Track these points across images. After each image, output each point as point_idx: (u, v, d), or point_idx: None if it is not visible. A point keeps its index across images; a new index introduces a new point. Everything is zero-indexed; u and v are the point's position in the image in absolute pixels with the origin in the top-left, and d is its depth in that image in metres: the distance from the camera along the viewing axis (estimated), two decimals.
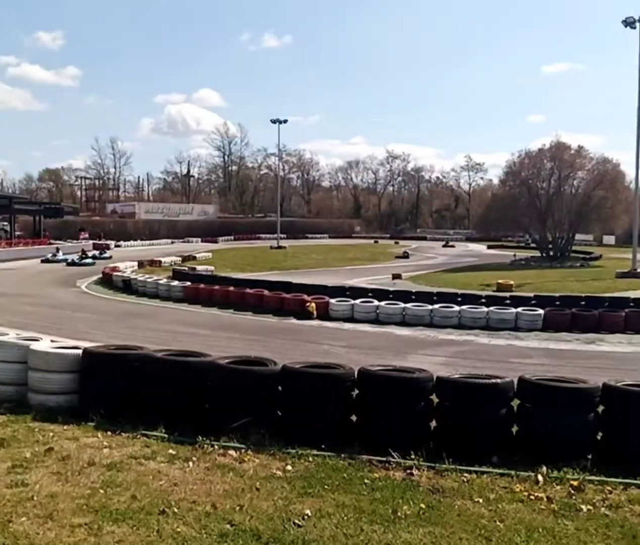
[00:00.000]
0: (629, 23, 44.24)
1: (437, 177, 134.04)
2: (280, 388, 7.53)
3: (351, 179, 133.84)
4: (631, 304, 24.07)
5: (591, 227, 69.85)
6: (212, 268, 41.45)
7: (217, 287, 27.70)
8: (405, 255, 61.09)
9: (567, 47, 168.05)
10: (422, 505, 5.53)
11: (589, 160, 62.32)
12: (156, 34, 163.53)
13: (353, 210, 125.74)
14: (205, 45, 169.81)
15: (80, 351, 8.44)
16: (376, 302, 23.05)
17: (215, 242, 78.84)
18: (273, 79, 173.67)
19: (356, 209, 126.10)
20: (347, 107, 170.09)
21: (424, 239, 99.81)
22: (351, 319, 22.28)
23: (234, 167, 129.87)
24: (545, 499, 5.81)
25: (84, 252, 49.06)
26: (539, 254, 60.95)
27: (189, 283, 29.19)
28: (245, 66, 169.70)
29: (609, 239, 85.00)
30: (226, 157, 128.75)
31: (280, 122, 75.94)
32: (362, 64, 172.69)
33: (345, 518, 5.25)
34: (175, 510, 5.27)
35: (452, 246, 63.54)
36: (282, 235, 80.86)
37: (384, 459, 6.70)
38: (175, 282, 29.79)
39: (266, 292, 25.85)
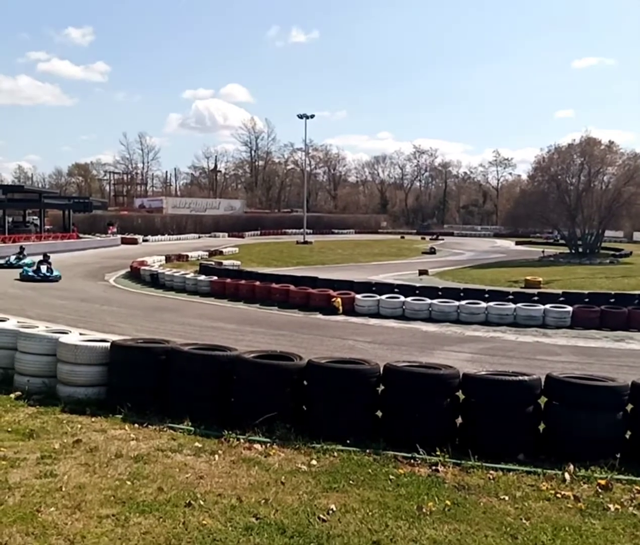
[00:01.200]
0: None
1: (465, 173, 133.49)
2: (305, 383, 7.54)
3: (378, 174, 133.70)
4: None
5: (621, 224, 68.83)
6: (238, 263, 41.61)
7: (243, 281, 27.80)
8: (432, 251, 60.79)
9: (597, 42, 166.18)
10: (448, 502, 5.50)
11: (620, 156, 61.53)
12: (184, 29, 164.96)
13: (379, 205, 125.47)
14: (233, 40, 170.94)
15: (108, 344, 8.53)
16: (402, 298, 22.96)
17: (242, 237, 79.14)
18: (300, 74, 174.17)
19: (382, 204, 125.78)
20: (373, 102, 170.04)
21: (451, 234, 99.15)
22: (377, 315, 22.24)
23: (261, 162, 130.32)
24: (572, 498, 5.76)
25: (22, 251, 38.76)
26: (568, 251, 60.27)
27: (215, 277, 29.33)
28: (272, 61, 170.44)
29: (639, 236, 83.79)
30: (253, 152, 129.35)
31: (307, 117, 76.00)
32: (388, 59, 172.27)
33: (370, 513, 5.25)
34: (201, 502, 5.31)
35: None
36: (308, 231, 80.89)
37: (409, 455, 6.68)
38: (202, 277, 29.96)
39: (292, 287, 25.89)
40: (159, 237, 72.48)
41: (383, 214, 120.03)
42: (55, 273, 30.94)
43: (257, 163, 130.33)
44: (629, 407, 6.95)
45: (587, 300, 23.68)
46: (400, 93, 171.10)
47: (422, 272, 38.46)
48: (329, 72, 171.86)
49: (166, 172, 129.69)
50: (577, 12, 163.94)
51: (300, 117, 76.01)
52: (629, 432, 6.93)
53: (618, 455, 6.60)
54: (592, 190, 59.56)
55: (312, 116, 76.76)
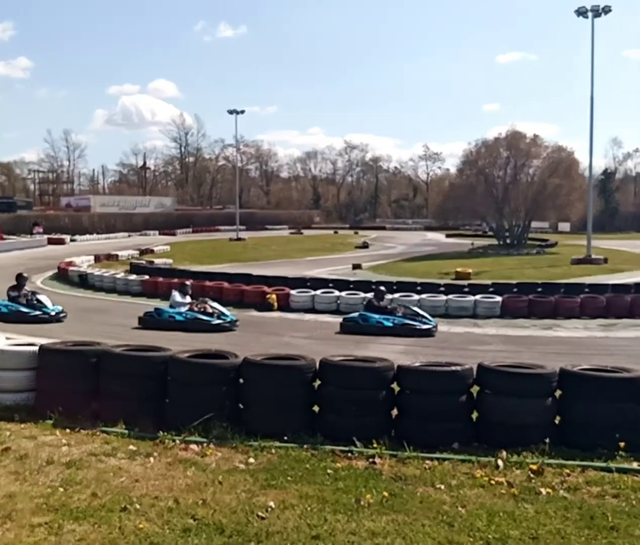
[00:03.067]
0: (582, 13, 44.96)
1: (396, 167, 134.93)
2: (241, 380, 7.50)
3: (310, 170, 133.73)
4: (586, 290, 24.55)
5: (547, 215, 70.91)
6: (170, 261, 41.03)
7: (175, 280, 27.28)
8: (365, 246, 61.30)
9: (521, 37, 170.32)
10: (385, 494, 5.56)
11: (544, 149, 63.36)
12: (108, 23, 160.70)
13: (312, 201, 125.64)
14: (159, 34, 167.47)
15: (36, 348, 8.28)
16: (337, 293, 23.10)
17: (173, 234, 77.99)
18: (229, 69, 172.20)
19: (315, 199, 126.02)
20: (304, 97, 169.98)
21: (384, 228, 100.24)
22: (312, 310, 22.31)
23: (191, 159, 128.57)
24: (505, 484, 5.91)
25: None
26: (496, 242, 61.77)
27: (147, 277, 28.82)
28: (200, 56, 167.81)
29: (564, 226, 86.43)
30: (183, 148, 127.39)
31: (237, 113, 75.42)
32: (318, 54, 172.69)
33: (308, 508, 5.26)
34: (137, 506, 5.21)
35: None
36: (241, 227, 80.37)
37: (347, 448, 6.73)
38: (133, 276, 29.41)
39: (226, 284, 25.69)
40: (87, 236, 70.64)
41: (316, 210, 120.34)
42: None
43: (187, 159, 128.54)
44: (558, 393, 7.18)
45: (515, 290, 24.37)
46: (330, 88, 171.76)
47: (356, 267, 38.75)
48: (258, 68, 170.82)
49: (93, 170, 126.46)
50: (501, 7, 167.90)
51: (231, 112, 75.43)
52: (558, 417, 7.15)
53: (548, 440, 6.80)
54: (518, 182, 61.20)
55: (242, 112, 76.31)
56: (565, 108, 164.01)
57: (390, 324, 17.81)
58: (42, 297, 19.40)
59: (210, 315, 18.29)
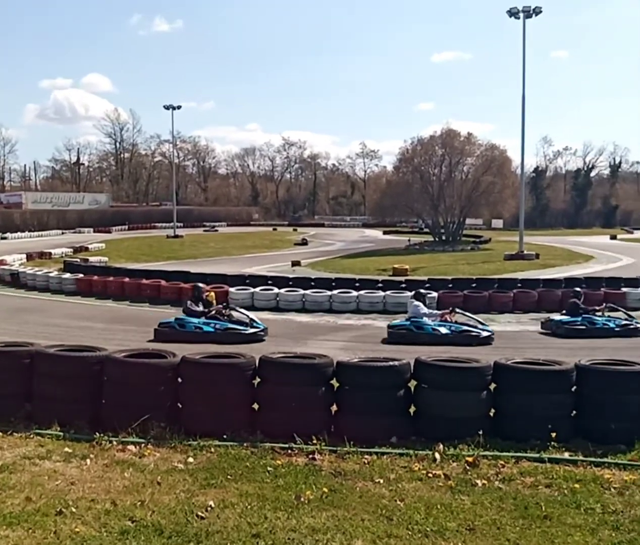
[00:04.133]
0: (513, 13, 46.03)
1: (334, 164, 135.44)
2: (180, 380, 7.42)
3: (248, 166, 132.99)
4: (519, 285, 25.21)
5: (480, 212, 72.38)
6: (105, 259, 40.20)
7: (111, 278, 26.87)
8: (304, 242, 61.38)
9: (455, 37, 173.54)
10: (325, 489, 5.60)
11: (478, 147, 64.70)
12: (40, 15, 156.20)
13: (251, 197, 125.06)
14: (93, 28, 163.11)
15: None
16: (276, 290, 23.08)
17: (109, 232, 76.39)
18: (165, 64, 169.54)
19: (254, 196, 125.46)
20: (241, 93, 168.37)
21: (322, 225, 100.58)
22: (251, 307, 22.13)
23: (127, 155, 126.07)
24: (442, 476, 6.03)
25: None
26: (432, 239, 62.67)
27: (81, 275, 28.18)
28: (135, 51, 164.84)
29: (498, 223, 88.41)
30: (118, 144, 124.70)
31: (173, 108, 74.30)
32: (255, 50, 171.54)
33: (248, 507, 5.25)
34: (73, 509, 5.11)
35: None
36: (179, 224, 79.41)
37: (287, 445, 6.74)
38: (67, 275, 28.69)
39: (163, 282, 25.33)
40: (19, 234, 68.53)
41: (255, 206, 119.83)
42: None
43: (122, 155, 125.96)
44: (493, 386, 7.35)
45: (450, 285, 24.83)
46: (267, 84, 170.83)
47: (295, 263, 38.76)
48: (194, 63, 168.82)
49: (25, 165, 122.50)
50: (436, 7, 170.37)
51: (167, 108, 74.24)
52: (493, 410, 7.33)
53: (483, 433, 6.96)
54: (453, 180, 62.35)
55: (179, 107, 75.18)
56: (498, 107, 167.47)
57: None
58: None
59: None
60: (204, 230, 73.82)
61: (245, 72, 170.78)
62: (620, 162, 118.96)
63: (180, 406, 7.40)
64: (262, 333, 16.03)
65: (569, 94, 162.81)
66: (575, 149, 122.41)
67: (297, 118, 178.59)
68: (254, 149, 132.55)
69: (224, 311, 16.51)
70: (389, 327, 16.50)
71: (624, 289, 23.14)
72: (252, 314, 16.93)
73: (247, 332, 15.86)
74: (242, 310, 16.83)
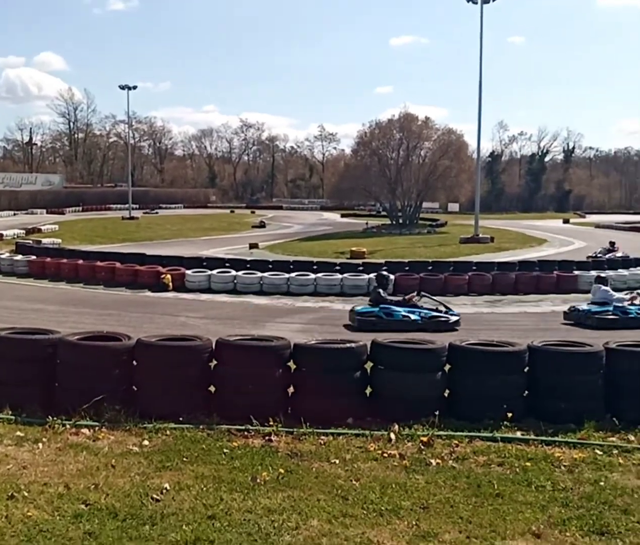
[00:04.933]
0: None
1: (292, 147, 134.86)
2: (135, 363, 7.35)
3: (205, 148, 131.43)
4: (474, 268, 25.59)
5: (437, 196, 73.06)
6: (59, 241, 39.41)
7: (65, 260, 26.40)
8: (262, 225, 61.14)
9: (413, 21, 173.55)
10: (281, 470, 5.62)
11: (435, 131, 65.17)
12: None
13: (208, 179, 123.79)
14: (45, 5, 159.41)
15: None
16: (233, 272, 22.96)
17: (62, 213, 74.74)
18: (120, 43, 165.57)
19: (211, 178, 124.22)
20: (198, 74, 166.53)
21: (280, 208, 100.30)
22: (208, 290, 22.08)
23: (81, 135, 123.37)
24: (397, 456, 6.10)
25: None
26: (390, 222, 63.03)
27: (34, 257, 27.61)
28: (90, 29, 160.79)
29: (454, 207, 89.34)
30: (72, 124, 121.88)
31: (129, 89, 73.02)
32: (213, 30, 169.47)
33: (204, 489, 5.24)
34: (25, 493, 5.04)
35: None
36: (135, 206, 78.26)
37: (243, 427, 6.74)
38: (19, 257, 28.09)
39: (118, 264, 24.99)
40: None
41: (212, 188, 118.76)
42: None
43: (76, 135, 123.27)
44: (447, 367, 7.46)
45: (407, 268, 25.01)
46: (225, 65, 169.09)
47: (253, 246, 38.60)
48: (150, 43, 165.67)
49: None
50: None
51: (122, 88, 72.91)
52: (447, 391, 7.44)
53: (438, 413, 7.05)
54: (410, 164, 62.70)
55: (135, 87, 73.89)
56: (455, 92, 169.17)
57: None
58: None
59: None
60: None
61: (202, 53, 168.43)
62: (573, 148, 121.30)
63: (135, 389, 7.34)
64: (459, 321, 15.71)
65: (525, 79, 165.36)
66: (530, 134, 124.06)
67: (255, 100, 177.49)
68: (211, 130, 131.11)
69: (415, 299, 16.24)
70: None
71: (576, 272, 23.65)
72: (210, 296, 16.87)
73: (451, 320, 15.60)
74: (434, 298, 16.64)
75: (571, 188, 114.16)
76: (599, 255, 30.85)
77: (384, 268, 23.83)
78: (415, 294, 16.59)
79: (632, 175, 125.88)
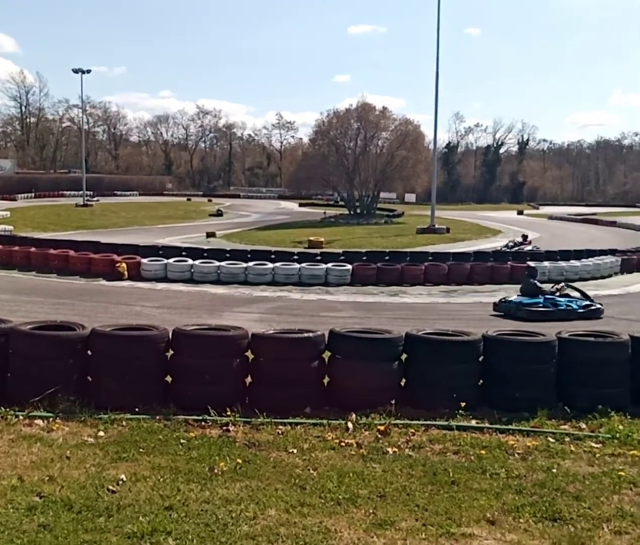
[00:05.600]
0: None
1: (249, 135, 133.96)
2: (90, 352, 7.24)
3: (161, 134, 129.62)
4: (430, 258, 25.87)
5: (394, 186, 73.43)
6: (10, 228, 38.52)
7: (16, 248, 25.84)
8: (219, 213, 60.73)
9: (372, 9, 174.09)
10: (239, 460, 5.62)
11: (392, 121, 65.50)
12: None
13: (164, 166, 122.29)
14: None
15: None
16: (190, 261, 22.78)
17: (14, 199, 73.01)
18: (74, 26, 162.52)
19: (167, 165, 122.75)
20: (154, 59, 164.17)
21: (238, 196, 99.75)
22: (164, 279, 21.87)
23: (33, 119, 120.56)
24: (355, 445, 6.15)
25: None
26: (347, 212, 63.21)
27: None
28: (43, 10, 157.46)
29: (411, 197, 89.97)
30: (23, 108, 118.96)
31: (82, 72, 71.52)
32: (170, 14, 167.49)
33: (161, 479, 5.21)
34: None
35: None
36: (89, 193, 76.89)
37: (200, 417, 6.71)
38: None
39: (72, 252, 24.53)
40: None
41: (168, 176, 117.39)
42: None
43: (28, 120, 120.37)
44: (404, 356, 7.53)
45: (364, 258, 25.17)
46: (182, 51, 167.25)
47: (210, 235, 38.34)
48: (105, 26, 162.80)
49: None
50: None
51: (76, 71, 71.33)
52: (404, 380, 7.52)
53: (394, 402, 7.12)
54: (368, 153, 62.90)
55: (89, 71, 72.39)
56: (412, 82, 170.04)
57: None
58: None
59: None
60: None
61: (158, 38, 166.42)
62: (527, 140, 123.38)
63: (90, 379, 7.23)
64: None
65: (481, 71, 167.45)
66: (486, 126, 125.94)
67: (212, 86, 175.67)
68: (167, 116, 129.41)
69: (560, 289, 16.80)
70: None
71: (530, 263, 24.01)
72: (166, 285, 16.72)
73: (601, 309, 16.10)
74: (576, 288, 17.10)
75: (525, 180, 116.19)
76: (504, 248, 31.09)
77: (341, 258, 23.94)
78: (563, 284, 17.28)
79: (585, 167, 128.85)
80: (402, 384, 7.53)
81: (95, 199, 75.76)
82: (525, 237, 33.14)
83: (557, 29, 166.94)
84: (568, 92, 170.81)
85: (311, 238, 35.60)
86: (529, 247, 30.49)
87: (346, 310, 17.09)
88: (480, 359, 7.57)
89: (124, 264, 22.26)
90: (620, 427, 6.75)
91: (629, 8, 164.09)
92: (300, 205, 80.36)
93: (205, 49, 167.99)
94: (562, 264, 24.32)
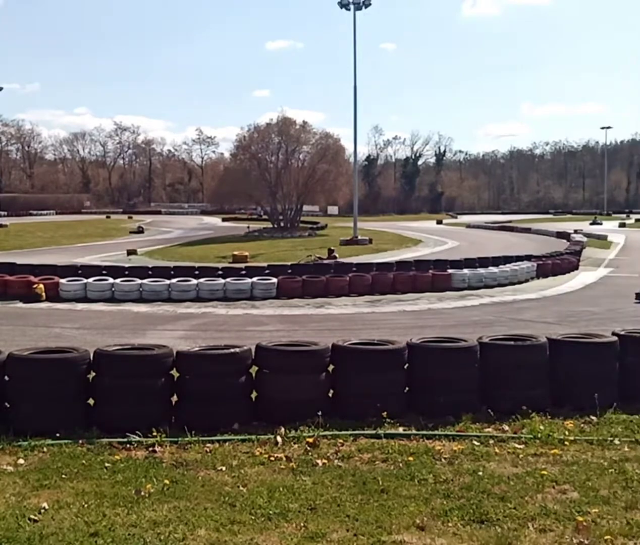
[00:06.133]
0: (344, 5, 47.37)
1: (169, 150, 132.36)
2: (7, 378, 6.97)
3: (78, 152, 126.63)
4: (354, 269, 26.09)
5: (317, 199, 73.88)
6: None
7: None
8: (140, 230, 59.66)
9: (288, 25, 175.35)
10: (166, 481, 5.51)
11: (313, 135, 65.92)
12: None
13: (82, 184, 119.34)
14: None
15: None
16: (111, 280, 22.20)
17: None
18: None
19: (85, 183, 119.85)
20: (69, 75, 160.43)
21: (159, 213, 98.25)
22: (85, 299, 21.24)
23: None
24: (284, 459, 6.13)
25: None
26: (271, 226, 63.22)
27: None
28: None
29: (333, 210, 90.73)
30: None
31: None
32: (84, 29, 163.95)
33: (85, 505, 5.06)
34: None
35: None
36: (2, 213, 74.23)
37: (125, 439, 6.56)
38: None
39: None
40: None
41: (86, 194, 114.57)
42: None
43: None
44: (331, 367, 7.57)
45: (290, 271, 25.15)
46: (97, 66, 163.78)
47: (131, 252, 37.59)
48: (17, 41, 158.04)
49: None
50: None
51: None
52: (332, 391, 7.55)
53: (322, 413, 7.12)
54: (290, 167, 63.08)
55: (1, 89, 70.26)
56: (331, 96, 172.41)
57: None
58: None
59: None
60: None
61: (72, 53, 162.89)
62: (444, 151, 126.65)
63: (8, 406, 6.96)
64: None
65: (397, 85, 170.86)
66: (404, 138, 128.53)
67: (129, 102, 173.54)
68: (84, 133, 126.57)
69: None
70: None
71: (450, 271, 24.58)
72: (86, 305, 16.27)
73: None
74: None
75: (443, 190, 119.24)
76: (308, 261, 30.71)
77: (266, 271, 23.85)
78: None
79: (499, 177, 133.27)
80: (330, 395, 7.55)
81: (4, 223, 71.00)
82: (331, 250, 33.45)
83: (469, 43, 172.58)
84: (481, 104, 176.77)
85: (235, 253, 35.36)
86: (327, 261, 30.02)
87: (273, 324, 17.05)
88: (406, 366, 7.68)
89: (41, 285, 21.53)
90: (541, 427, 6.97)
91: (535, 23, 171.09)
92: (224, 220, 79.87)
93: (122, 64, 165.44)
94: (481, 270, 24.94)
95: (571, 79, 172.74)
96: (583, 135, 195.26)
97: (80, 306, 20.30)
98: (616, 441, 6.62)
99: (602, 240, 46.72)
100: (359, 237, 46.44)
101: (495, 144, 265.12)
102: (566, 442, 6.56)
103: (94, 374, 7.16)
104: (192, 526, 4.72)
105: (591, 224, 68.22)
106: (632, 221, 75.05)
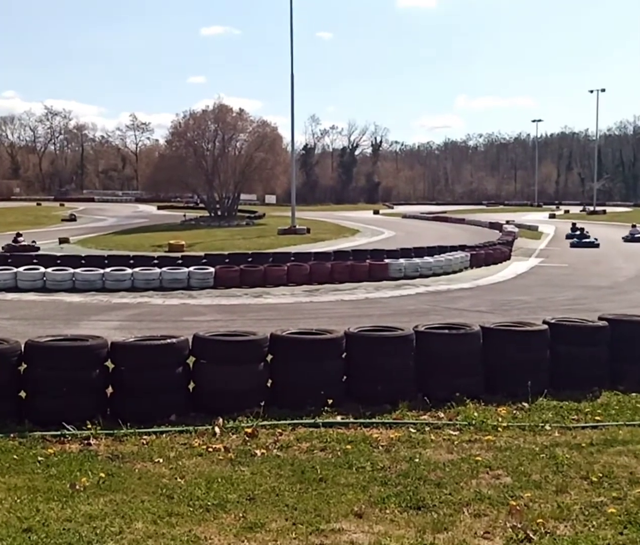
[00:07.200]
0: None
1: (102, 136, 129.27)
2: None
3: (6, 137, 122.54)
4: (292, 259, 26.13)
5: (254, 187, 73.61)
6: None
7: None
8: (73, 218, 58.28)
9: (224, 11, 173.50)
10: (102, 474, 5.42)
11: (250, 123, 65.70)
12: None
13: (11, 170, 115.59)
14: None
15: None
16: (43, 269, 21.65)
17: None
18: None
19: (14, 169, 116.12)
20: None
21: (92, 200, 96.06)
22: (15, 289, 20.63)
23: None
24: (222, 450, 6.10)
25: None
26: (208, 214, 62.70)
27: None
28: None
29: (271, 199, 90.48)
30: None
31: None
32: (10, 9, 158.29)
33: (18, 501, 4.94)
34: None
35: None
36: None
37: (59, 432, 6.42)
38: None
39: None
40: None
41: (16, 180, 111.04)
42: None
43: None
44: (269, 357, 7.57)
45: (227, 260, 25.01)
46: (25, 48, 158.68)
47: (63, 241, 36.76)
48: None
49: None
50: None
51: None
52: (270, 381, 7.55)
53: (262, 403, 7.13)
54: (226, 155, 62.67)
55: None
56: (268, 85, 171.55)
57: None
58: None
59: None
60: None
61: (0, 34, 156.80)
62: (381, 142, 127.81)
63: None
64: None
65: (334, 74, 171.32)
66: (342, 128, 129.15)
67: (60, 86, 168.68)
68: (12, 117, 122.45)
69: None
70: None
71: (387, 261, 24.87)
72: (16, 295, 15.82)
73: None
74: None
75: (380, 180, 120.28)
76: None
77: (203, 261, 23.62)
78: None
79: (434, 168, 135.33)
80: (269, 384, 7.55)
81: None
82: (19, 234, 33.55)
83: (405, 34, 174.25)
84: (417, 96, 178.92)
85: (171, 241, 34.95)
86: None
87: (210, 314, 16.92)
88: (344, 355, 7.74)
89: None
90: (476, 414, 7.14)
91: (471, 16, 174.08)
92: (159, 208, 78.77)
93: (52, 47, 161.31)
94: (417, 260, 25.31)
95: (504, 73, 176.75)
96: (515, 128, 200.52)
97: (10, 296, 19.72)
98: (547, 427, 6.82)
99: (533, 231, 48.02)
100: (297, 227, 46.47)
101: (431, 135, 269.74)
102: (499, 429, 6.73)
103: (25, 366, 6.97)
104: (129, 519, 4.66)
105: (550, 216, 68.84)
106: (561, 212, 77.38)
